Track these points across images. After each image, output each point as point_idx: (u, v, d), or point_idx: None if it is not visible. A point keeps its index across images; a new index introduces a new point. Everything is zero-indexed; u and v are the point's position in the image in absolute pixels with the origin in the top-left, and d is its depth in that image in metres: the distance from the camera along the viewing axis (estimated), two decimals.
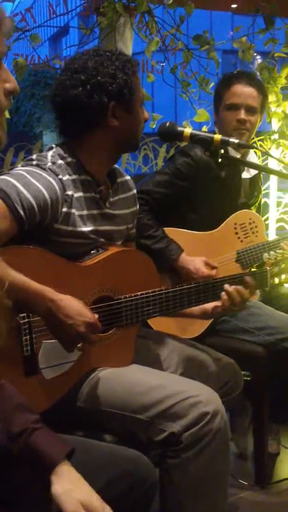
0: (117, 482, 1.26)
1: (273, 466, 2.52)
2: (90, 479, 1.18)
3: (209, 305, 1.88)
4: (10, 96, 1.13)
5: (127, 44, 3.11)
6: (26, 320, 1.54)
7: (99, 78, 1.65)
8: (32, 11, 3.19)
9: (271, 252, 2.08)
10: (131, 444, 1.48)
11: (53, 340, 1.57)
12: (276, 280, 2.00)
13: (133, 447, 1.42)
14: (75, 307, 1.51)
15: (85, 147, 1.71)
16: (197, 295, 1.83)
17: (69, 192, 1.65)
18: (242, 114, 2.37)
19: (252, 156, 2.53)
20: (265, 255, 2.07)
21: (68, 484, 1.12)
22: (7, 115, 1.23)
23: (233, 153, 2.31)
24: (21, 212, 1.52)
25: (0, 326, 1.10)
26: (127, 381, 1.64)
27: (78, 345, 1.56)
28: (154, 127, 3.22)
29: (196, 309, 1.89)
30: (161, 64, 3.47)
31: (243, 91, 2.39)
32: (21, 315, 1.53)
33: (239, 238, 2.39)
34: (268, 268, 1.99)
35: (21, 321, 1.53)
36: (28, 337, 1.54)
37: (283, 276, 2.05)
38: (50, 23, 3.30)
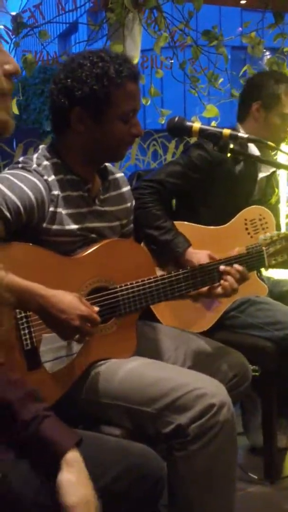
0: (125, 476, 1.26)
1: (282, 460, 2.52)
2: (98, 473, 1.19)
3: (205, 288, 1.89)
4: (11, 78, 1.10)
5: (136, 40, 3.11)
6: (23, 314, 1.55)
7: (69, 80, 1.65)
8: (41, 7, 3.19)
9: (267, 234, 2.09)
10: (138, 438, 1.49)
11: (52, 334, 1.58)
12: (273, 262, 2.02)
13: (140, 441, 1.43)
14: (67, 301, 1.51)
15: (65, 147, 1.73)
16: (194, 279, 1.83)
17: (55, 192, 1.66)
18: None
19: (270, 156, 2.53)
20: (261, 237, 2.09)
21: (76, 476, 1.13)
22: (15, 110, 1.22)
23: (254, 150, 2.31)
24: (7, 214, 1.54)
25: (2, 321, 1.10)
26: (133, 373, 1.65)
27: (75, 337, 1.56)
28: (163, 122, 3.23)
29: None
30: (170, 60, 3.47)
31: None
32: (18, 309, 1.54)
33: (249, 234, 2.37)
34: (264, 248, 1.99)
35: (18, 316, 1.54)
36: (27, 331, 1.56)
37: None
38: (59, 19, 3.30)
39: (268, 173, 2.48)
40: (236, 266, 1.87)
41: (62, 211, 1.68)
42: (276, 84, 2.39)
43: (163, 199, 2.25)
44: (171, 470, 1.57)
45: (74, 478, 1.13)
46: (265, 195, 2.53)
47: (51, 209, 1.65)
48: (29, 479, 1.16)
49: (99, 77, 1.63)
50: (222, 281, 1.85)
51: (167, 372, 1.66)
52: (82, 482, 1.13)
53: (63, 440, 1.17)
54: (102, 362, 1.70)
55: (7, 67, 1.08)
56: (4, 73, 1.08)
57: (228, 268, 1.86)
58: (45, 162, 1.69)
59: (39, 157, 1.71)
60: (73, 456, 1.15)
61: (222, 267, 1.86)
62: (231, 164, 2.32)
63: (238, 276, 1.87)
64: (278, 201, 2.65)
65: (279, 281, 2.65)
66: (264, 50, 3.47)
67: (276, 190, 2.58)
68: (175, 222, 2.22)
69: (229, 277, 1.85)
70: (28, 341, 1.56)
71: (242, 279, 1.88)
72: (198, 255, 2.07)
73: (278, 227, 2.65)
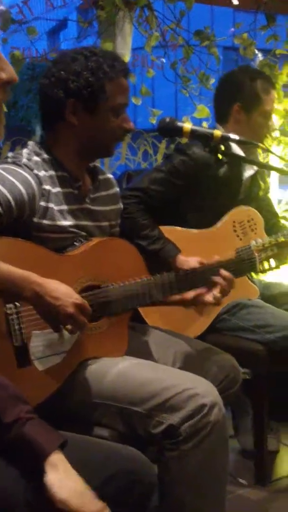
0: (115, 480, 1.25)
1: (272, 463, 2.51)
2: (87, 477, 1.17)
3: (190, 294, 1.87)
4: (7, 87, 1.04)
5: (126, 39, 3.10)
6: (14, 310, 1.53)
7: (62, 73, 1.67)
8: (29, 3, 3.16)
9: (258, 240, 2.09)
10: (128, 442, 1.47)
11: (43, 330, 1.56)
12: (266, 266, 2.05)
13: (131, 444, 1.41)
14: (62, 289, 1.51)
15: (56, 141, 1.73)
16: (185, 281, 1.82)
17: (46, 187, 1.66)
18: (272, 119, 2.38)
19: (254, 155, 2.51)
20: (253, 242, 2.09)
21: (62, 473, 1.12)
22: (4, 108, 1.16)
23: (237, 150, 2.28)
24: None
25: None
26: (124, 373, 1.63)
27: (68, 326, 1.55)
28: (154, 122, 3.21)
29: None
30: (161, 59, 3.46)
31: (274, 97, 2.38)
32: (8, 305, 1.52)
33: (238, 236, 2.35)
34: (256, 254, 2.01)
35: (8, 311, 1.52)
36: (17, 327, 1.54)
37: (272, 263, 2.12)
38: (50, 16, 3.28)
39: (253, 172, 2.46)
40: (225, 272, 1.85)
41: (54, 206, 1.67)
42: (252, 82, 2.35)
43: (148, 207, 2.22)
44: (163, 471, 1.57)
45: (60, 475, 1.12)
46: (251, 193, 2.51)
47: (42, 203, 1.64)
48: (18, 477, 1.15)
49: (94, 70, 1.66)
50: (214, 291, 1.84)
51: (159, 372, 1.65)
52: (70, 478, 1.13)
53: (46, 443, 1.15)
54: (93, 361, 1.69)
55: (2, 75, 1.02)
56: None
57: (220, 279, 1.84)
58: (35, 158, 1.68)
59: (29, 153, 1.70)
60: (56, 458, 1.14)
61: (215, 278, 1.84)
62: (215, 167, 2.28)
63: (227, 286, 1.85)
64: (266, 191, 2.63)
65: (270, 284, 2.65)
66: (256, 52, 3.46)
67: (262, 184, 2.56)
68: (164, 227, 2.20)
69: (221, 285, 1.84)
70: (18, 338, 1.54)
71: (230, 286, 1.87)
72: (188, 263, 2.06)
73: (275, 215, 2.64)
